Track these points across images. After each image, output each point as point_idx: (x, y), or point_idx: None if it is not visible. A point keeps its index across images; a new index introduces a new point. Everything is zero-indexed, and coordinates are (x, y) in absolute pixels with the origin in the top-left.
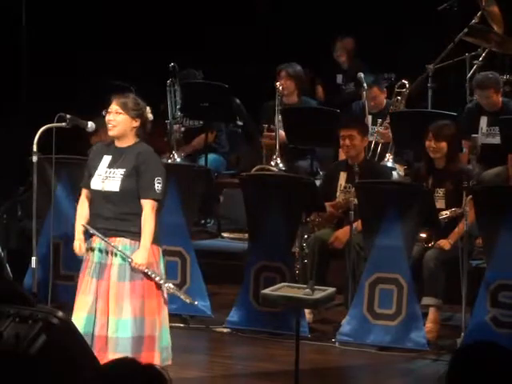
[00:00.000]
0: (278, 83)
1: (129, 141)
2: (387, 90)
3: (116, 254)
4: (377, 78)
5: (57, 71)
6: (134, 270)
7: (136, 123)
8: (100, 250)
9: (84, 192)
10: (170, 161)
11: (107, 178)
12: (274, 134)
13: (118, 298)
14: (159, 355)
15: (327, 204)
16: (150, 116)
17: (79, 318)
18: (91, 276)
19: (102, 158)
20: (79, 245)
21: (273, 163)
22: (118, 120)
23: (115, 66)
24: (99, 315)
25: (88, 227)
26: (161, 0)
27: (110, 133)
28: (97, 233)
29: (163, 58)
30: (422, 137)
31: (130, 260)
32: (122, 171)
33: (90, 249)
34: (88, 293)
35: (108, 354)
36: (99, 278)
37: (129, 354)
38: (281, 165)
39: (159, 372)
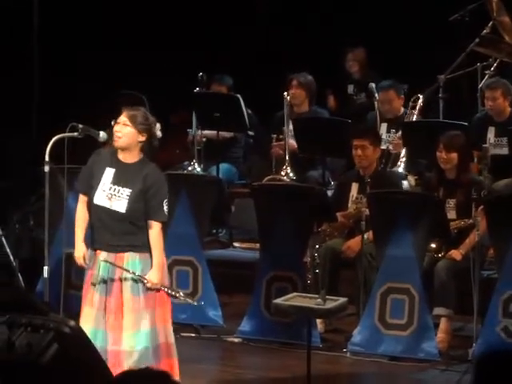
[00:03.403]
0: (285, 93)
1: (133, 156)
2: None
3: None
4: (394, 83)
5: (70, 81)
6: (149, 289)
7: (142, 138)
8: (106, 265)
9: (83, 198)
10: (190, 168)
11: (113, 195)
12: (283, 143)
13: (133, 312)
14: (178, 362)
15: (338, 214)
16: (159, 133)
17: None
18: (97, 291)
19: (104, 168)
20: (83, 255)
21: (283, 173)
22: (124, 132)
23: (128, 74)
24: (111, 331)
25: (111, 262)
26: (160, 2)
27: (115, 143)
28: (119, 266)
29: (167, 61)
30: (433, 147)
31: (145, 281)
32: (128, 192)
33: (95, 261)
34: (93, 306)
35: (124, 368)
36: (107, 294)
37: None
38: (291, 174)
39: (174, 381)
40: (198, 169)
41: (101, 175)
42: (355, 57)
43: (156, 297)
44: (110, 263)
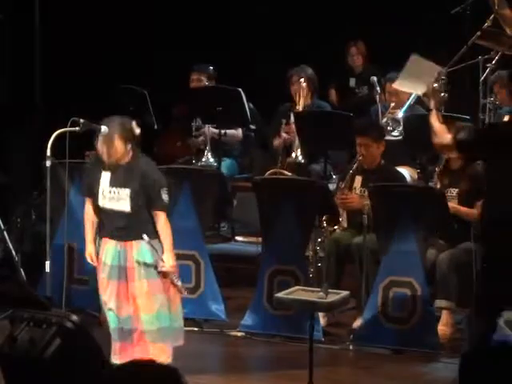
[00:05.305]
0: (296, 87)
1: (126, 158)
2: None
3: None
4: None
5: (71, 76)
6: (164, 274)
7: (129, 145)
8: (118, 252)
9: (89, 200)
10: (194, 161)
11: (113, 198)
12: (292, 125)
13: (149, 294)
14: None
15: (336, 197)
16: (137, 131)
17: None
18: (107, 277)
19: (101, 172)
20: (93, 255)
21: (293, 155)
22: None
23: (128, 69)
24: (132, 313)
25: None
26: (162, 3)
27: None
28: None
29: (171, 60)
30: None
31: (162, 264)
32: (127, 191)
33: (103, 248)
34: (105, 293)
35: (149, 345)
36: (119, 280)
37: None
38: (300, 157)
39: (176, 372)
40: (212, 159)
41: (99, 179)
42: (359, 50)
43: (166, 283)
44: (144, 264)
